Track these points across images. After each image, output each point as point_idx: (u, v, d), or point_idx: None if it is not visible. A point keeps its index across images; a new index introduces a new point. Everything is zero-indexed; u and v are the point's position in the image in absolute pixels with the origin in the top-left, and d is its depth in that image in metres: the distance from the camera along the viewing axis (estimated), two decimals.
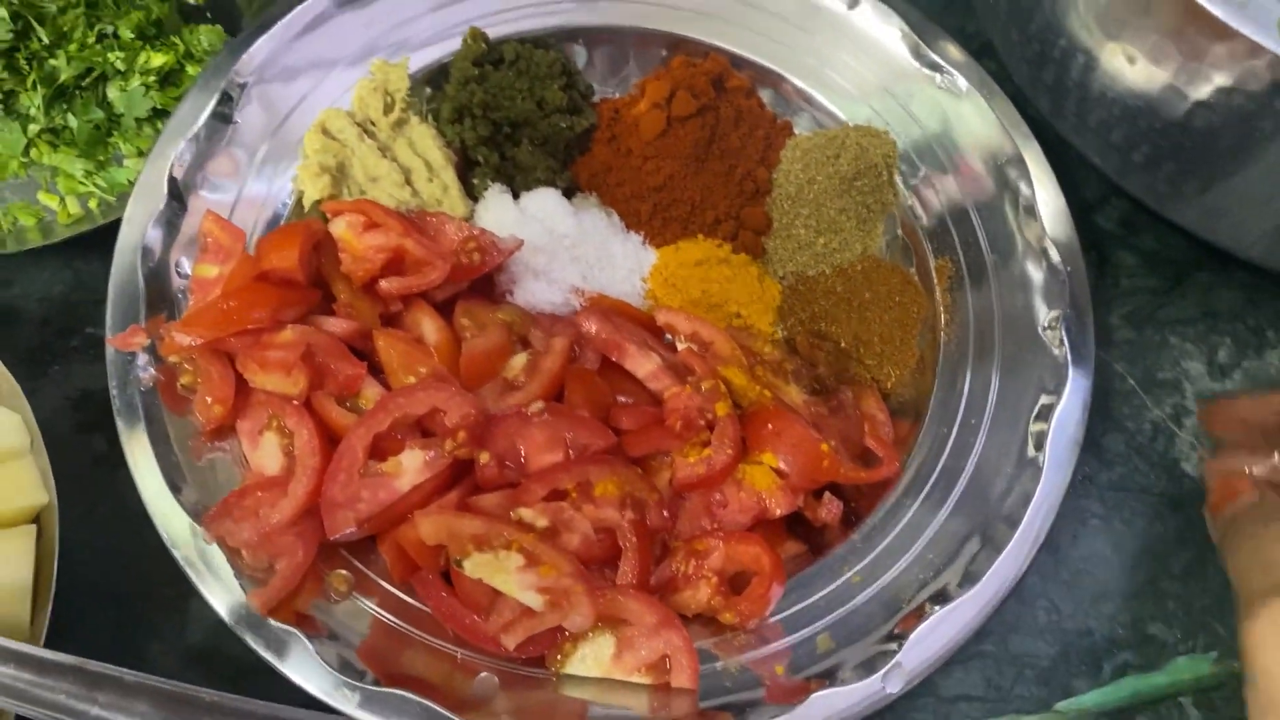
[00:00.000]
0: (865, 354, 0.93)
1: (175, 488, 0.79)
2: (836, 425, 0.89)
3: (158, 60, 1.01)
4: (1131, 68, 0.82)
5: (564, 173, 0.98)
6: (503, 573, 0.75)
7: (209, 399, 0.81)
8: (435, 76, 0.98)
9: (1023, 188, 0.92)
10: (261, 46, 0.93)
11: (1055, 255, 0.89)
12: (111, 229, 0.88)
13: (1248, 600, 0.75)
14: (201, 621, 0.85)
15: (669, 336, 0.93)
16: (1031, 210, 0.91)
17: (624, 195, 0.97)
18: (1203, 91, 0.77)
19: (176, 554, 0.77)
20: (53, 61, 0.98)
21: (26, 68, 0.99)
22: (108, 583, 0.87)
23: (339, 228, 0.87)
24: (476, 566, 0.75)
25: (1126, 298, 1.02)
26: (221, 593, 0.76)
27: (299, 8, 0.94)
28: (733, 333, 0.93)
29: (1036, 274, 0.90)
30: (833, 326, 0.94)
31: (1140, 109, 0.84)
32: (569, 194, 0.99)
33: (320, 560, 0.80)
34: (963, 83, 0.96)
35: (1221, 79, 0.75)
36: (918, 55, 0.98)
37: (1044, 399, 0.86)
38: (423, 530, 0.76)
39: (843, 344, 0.94)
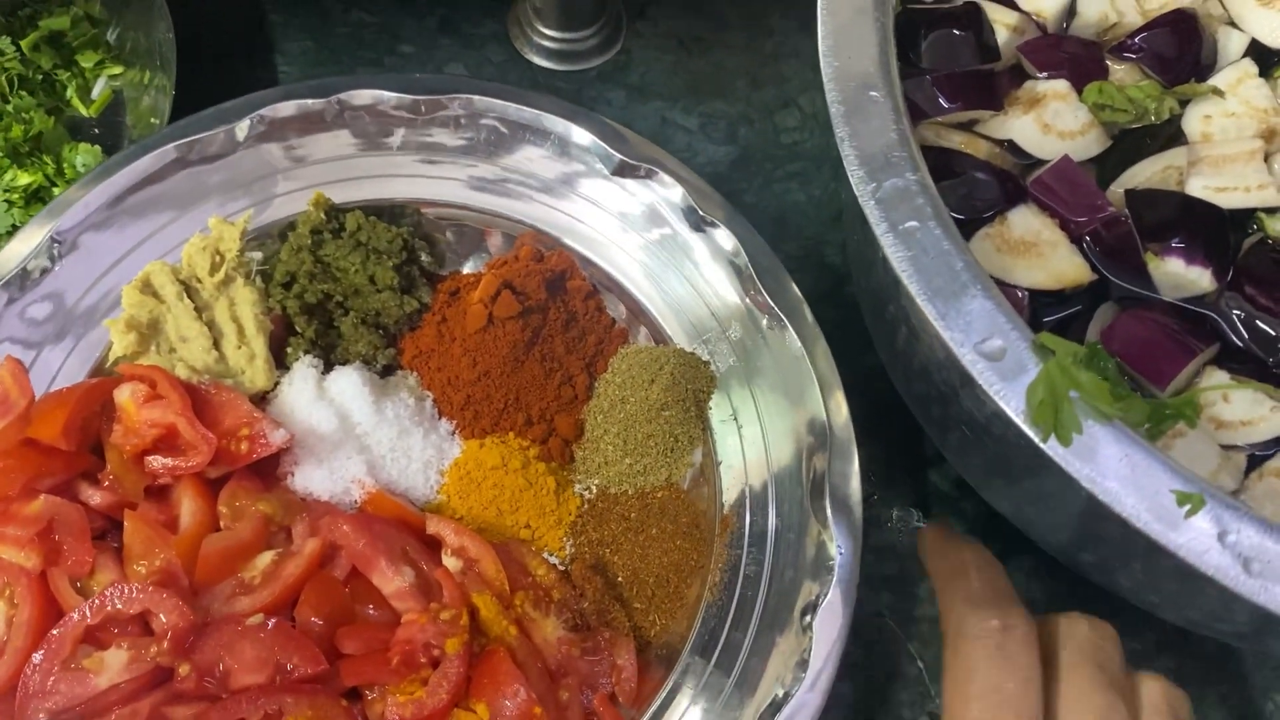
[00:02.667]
0: (637, 595, 0.83)
1: None
2: (584, 670, 0.80)
3: (24, 179, 0.97)
4: (941, 357, 0.70)
5: (388, 349, 0.89)
6: None
7: None
8: (287, 230, 0.90)
9: (819, 465, 0.81)
10: (99, 192, 0.86)
11: (833, 546, 0.78)
12: None
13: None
14: None
15: None
16: (821, 492, 0.80)
17: (441, 381, 0.88)
18: (995, 405, 0.64)
19: None
20: None
21: None
22: None
23: (123, 394, 0.79)
24: None
25: None
26: None
27: (143, 158, 0.87)
28: (512, 547, 0.84)
29: (811, 555, 0.79)
30: (616, 556, 0.84)
31: (950, 398, 0.73)
32: (390, 370, 0.90)
33: None
34: (794, 341, 0.84)
35: None
36: (750, 294, 0.87)
37: (787, 690, 0.75)
38: None
39: (620, 578, 0.84)
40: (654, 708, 0.79)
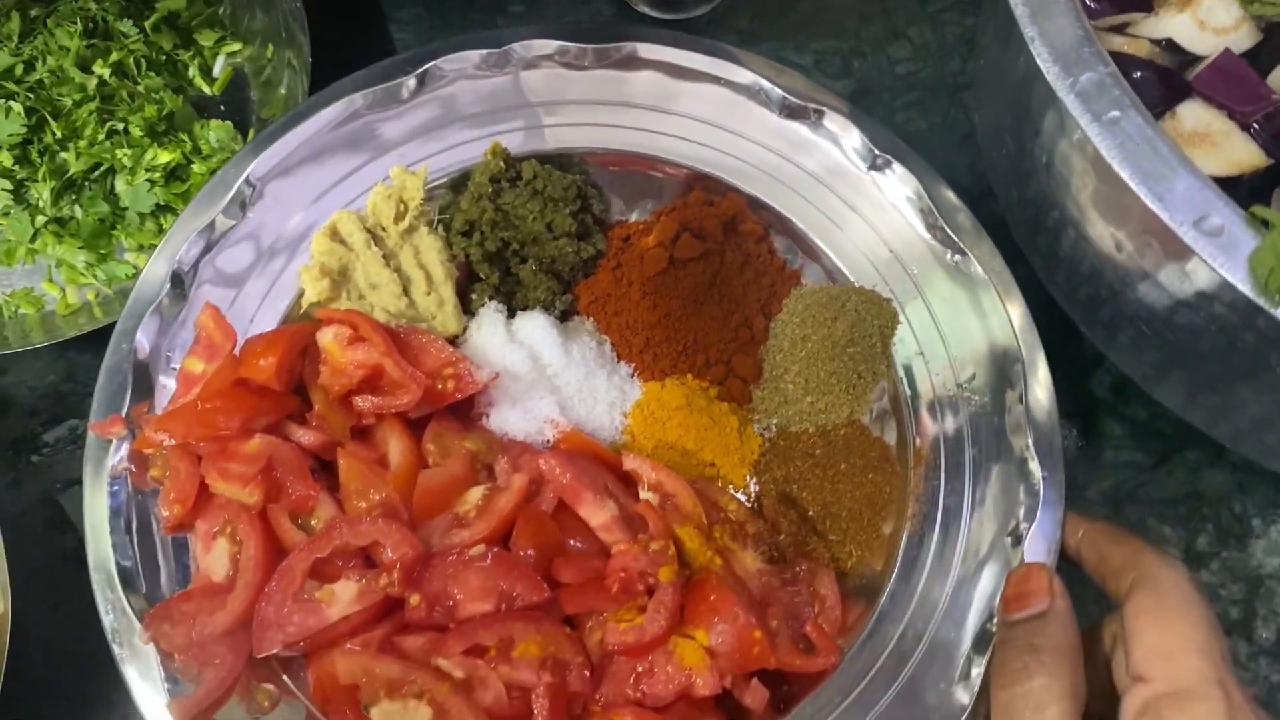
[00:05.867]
0: (831, 528, 0.94)
1: (127, 582, 0.86)
2: (785, 600, 0.90)
3: (164, 157, 1.09)
4: (1118, 254, 0.81)
5: (565, 295, 1.01)
6: None
7: (172, 496, 0.86)
8: (459, 182, 1.01)
9: (1015, 390, 0.91)
10: (284, 144, 0.97)
11: (1035, 468, 0.88)
12: (109, 324, 0.94)
13: None
14: None
15: None
16: (1021, 419, 0.90)
17: (619, 325, 0.99)
18: (1185, 292, 0.76)
19: (116, 650, 0.83)
20: (63, 155, 1.06)
21: (38, 160, 1.07)
22: (63, 683, 0.94)
23: (326, 337, 0.91)
24: (384, 715, 0.79)
25: (1109, 471, 1.03)
26: (151, 695, 0.83)
27: (324, 109, 0.98)
28: (701, 484, 0.94)
29: (1012, 480, 0.89)
30: (804, 492, 0.95)
31: (1125, 294, 0.83)
32: (567, 316, 1.02)
33: (251, 669, 0.84)
34: (978, 270, 0.94)
35: (1203, 285, 0.74)
36: (932, 228, 0.97)
37: (994, 618, 0.85)
38: (339, 669, 0.80)
39: (810, 513, 0.94)
40: (863, 636, 0.89)
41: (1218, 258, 0.70)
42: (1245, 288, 0.69)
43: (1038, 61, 0.76)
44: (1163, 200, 0.71)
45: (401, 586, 0.83)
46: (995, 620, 0.85)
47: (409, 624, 0.84)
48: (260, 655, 0.82)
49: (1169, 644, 0.75)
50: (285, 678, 0.86)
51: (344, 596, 0.83)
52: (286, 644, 0.82)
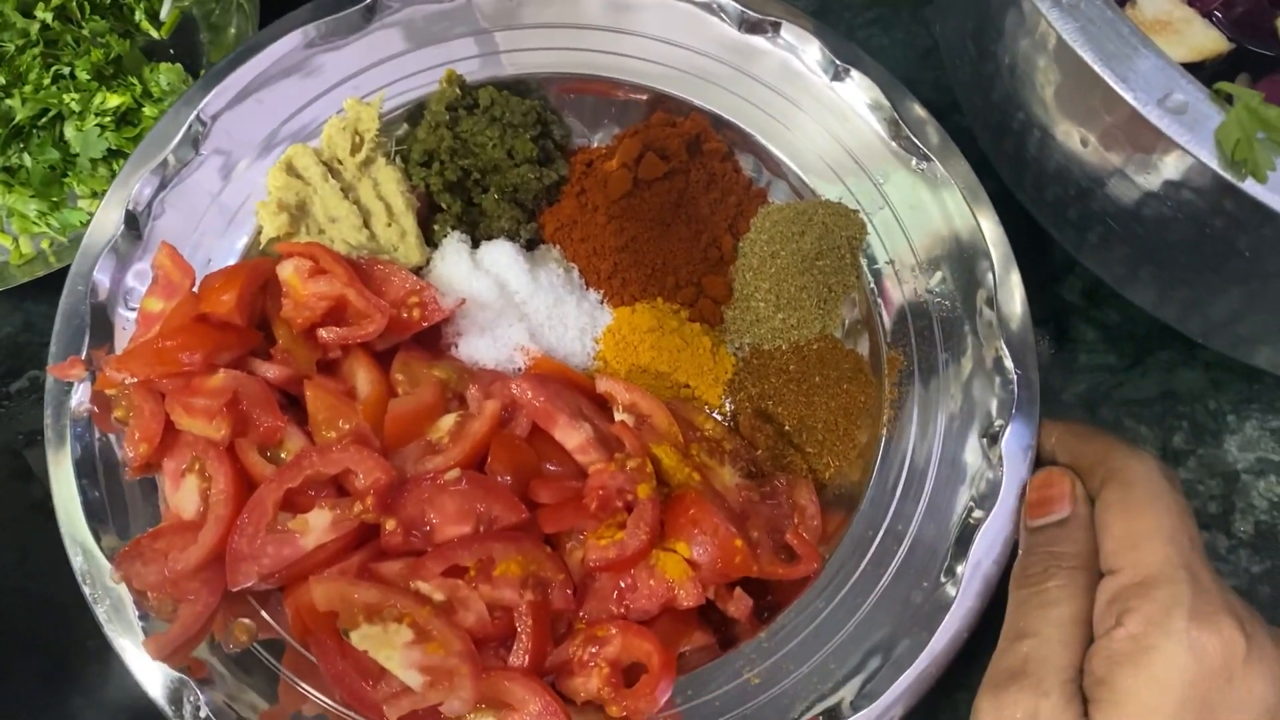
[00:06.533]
0: (807, 440, 0.94)
1: (95, 523, 0.85)
2: (765, 513, 0.91)
3: (114, 101, 1.08)
4: (1084, 150, 0.81)
5: (530, 223, 1.00)
6: (388, 647, 0.78)
7: (137, 435, 0.86)
8: (414, 113, 1.01)
9: (985, 292, 0.91)
10: (234, 80, 0.96)
11: (1009, 365, 0.88)
12: (65, 272, 0.93)
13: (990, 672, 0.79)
14: (125, 673, 0.85)
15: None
16: (992, 319, 0.90)
17: (586, 251, 0.99)
18: (1152, 183, 0.76)
19: (86, 591, 0.83)
20: (9, 102, 1.04)
21: None
22: (36, 632, 0.92)
23: (286, 271, 0.90)
24: (364, 639, 0.78)
25: (1083, 375, 1.03)
26: (125, 634, 0.82)
27: (274, 44, 0.97)
28: (676, 405, 0.95)
29: (986, 381, 0.90)
30: (779, 407, 0.95)
31: (1093, 191, 0.83)
32: (533, 245, 1.01)
33: (227, 604, 0.84)
34: (940, 171, 0.95)
35: (1170, 173, 0.74)
36: (897, 136, 0.97)
37: (974, 513, 0.86)
38: (316, 596, 0.79)
39: (786, 427, 0.95)
40: (844, 542, 0.89)
41: (1183, 135, 0.70)
42: (1212, 162, 0.70)
43: None
44: (1126, 81, 0.72)
45: (376, 512, 0.82)
46: (980, 521, 0.86)
47: (386, 550, 0.84)
48: (235, 589, 0.81)
49: (1135, 534, 0.77)
50: (263, 613, 0.85)
51: (318, 525, 0.82)
52: (262, 576, 0.81)
